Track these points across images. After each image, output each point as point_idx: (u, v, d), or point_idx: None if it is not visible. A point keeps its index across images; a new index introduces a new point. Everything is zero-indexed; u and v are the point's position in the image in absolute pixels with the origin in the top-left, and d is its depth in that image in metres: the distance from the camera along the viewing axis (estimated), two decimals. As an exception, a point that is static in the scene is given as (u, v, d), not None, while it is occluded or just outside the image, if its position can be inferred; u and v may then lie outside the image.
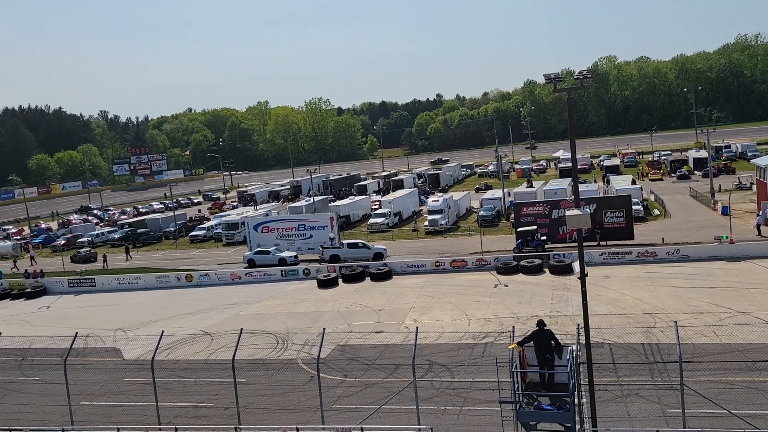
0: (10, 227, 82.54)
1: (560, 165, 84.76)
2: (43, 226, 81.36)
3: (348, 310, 32.16)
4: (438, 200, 55.85)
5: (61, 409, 20.97)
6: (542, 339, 14.03)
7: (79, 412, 20.73)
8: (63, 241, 64.14)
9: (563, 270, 35.07)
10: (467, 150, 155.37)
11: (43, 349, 29.17)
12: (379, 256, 43.23)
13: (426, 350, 23.97)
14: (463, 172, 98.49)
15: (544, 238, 41.22)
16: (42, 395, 23.54)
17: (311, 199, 66.59)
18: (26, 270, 48.29)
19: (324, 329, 20.00)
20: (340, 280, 38.42)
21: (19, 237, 73.12)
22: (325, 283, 37.97)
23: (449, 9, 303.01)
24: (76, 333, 22.49)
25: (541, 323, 14.31)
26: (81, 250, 57.74)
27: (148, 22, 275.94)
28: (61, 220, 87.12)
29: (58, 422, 19.78)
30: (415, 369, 16.26)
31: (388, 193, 73.64)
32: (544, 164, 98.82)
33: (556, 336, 14.22)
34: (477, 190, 75.48)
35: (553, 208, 42.46)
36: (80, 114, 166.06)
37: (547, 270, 36.07)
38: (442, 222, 52.42)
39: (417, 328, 17.90)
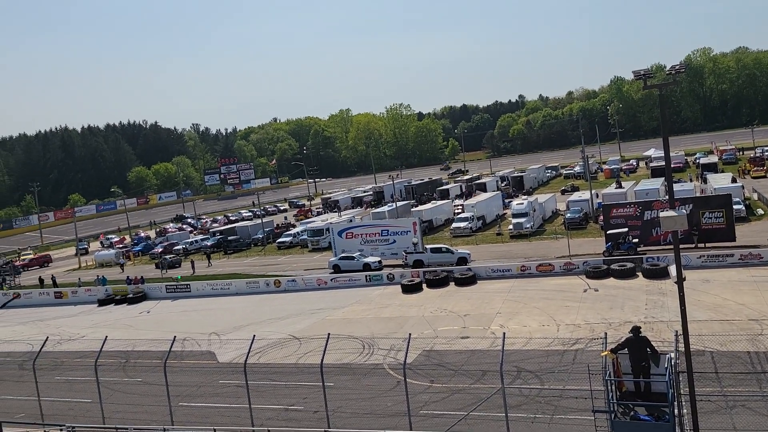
0: (113, 236, 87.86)
1: (652, 164, 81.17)
2: (143, 234, 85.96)
3: (433, 315, 32.06)
4: (522, 203, 54.80)
5: (161, 410, 22.04)
6: (638, 346, 13.45)
7: (178, 412, 21.71)
8: (160, 249, 67.53)
9: (658, 274, 33.51)
10: (552, 151, 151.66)
11: (145, 352, 30.74)
12: (462, 260, 42.87)
13: (513, 356, 23.49)
14: (547, 174, 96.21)
15: (636, 240, 39.57)
16: (144, 396, 24.82)
17: (394, 204, 66.97)
18: (128, 277, 51.17)
19: (410, 334, 20.04)
20: (424, 285, 38.38)
21: (121, 245, 77.64)
22: (410, 288, 38.01)
23: (531, 7, 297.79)
24: (175, 337, 23.62)
25: (636, 329, 13.72)
26: (166, 257, 61.08)
27: (235, 38, 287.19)
28: (158, 229, 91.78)
29: (160, 422, 20.78)
30: (503, 375, 15.98)
31: (471, 196, 72.98)
32: (634, 164, 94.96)
33: (652, 343, 13.59)
34: (563, 192, 73.51)
35: (645, 210, 40.69)
36: (174, 127, 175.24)
37: (640, 274, 34.58)
38: (527, 225, 51.38)
39: (504, 333, 17.58)
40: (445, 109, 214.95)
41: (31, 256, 77.47)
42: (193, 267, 55.10)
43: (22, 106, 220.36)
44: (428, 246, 45.84)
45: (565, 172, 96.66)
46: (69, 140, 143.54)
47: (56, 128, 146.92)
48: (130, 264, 63.98)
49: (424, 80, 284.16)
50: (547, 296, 32.97)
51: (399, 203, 68.28)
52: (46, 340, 26.67)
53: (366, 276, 42.02)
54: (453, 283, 38.13)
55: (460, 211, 62.17)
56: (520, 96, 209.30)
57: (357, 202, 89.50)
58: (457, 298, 34.85)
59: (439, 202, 67.98)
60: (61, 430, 20.52)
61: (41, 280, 56.92)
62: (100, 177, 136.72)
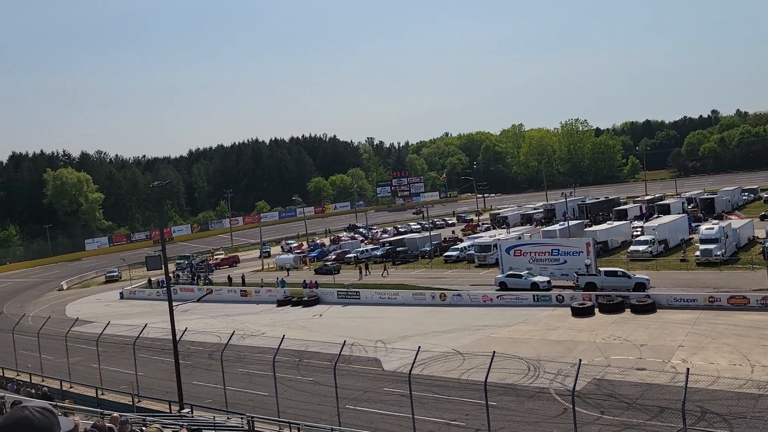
0: (292, 242, 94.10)
1: None
2: (318, 241, 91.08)
3: (605, 342, 30.26)
4: (713, 228, 49.93)
5: (329, 410, 23.07)
6: None
7: (345, 414, 22.57)
8: (333, 256, 71.07)
9: None
10: (750, 172, 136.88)
11: (316, 353, 32.43)
12: (640, 286, 40.01)
13: (697, 395, 21.39)
14: (743, 197, 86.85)
15: None
16: (314, 395, 26.17)
17: (566, 223, 64.46)
18: (304, 281, 54.44)
19: (580, 360, 19.08)
20: (596, 310, 36.38)
21: (299, 251, 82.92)
22: (580, 312, 36.25)
23: (727, 13, 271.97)
24: (344, 341, 24.64)
25: None
26: (327, 263, 64.79)
27: (410, 54, 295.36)
28: (332, 237, 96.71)
29: (328, 422, 21.74)
30: (686, 415, 14.59)
31: (652, 218, 68.03)
32: None
33: None
34: (762, 218, 65.92)
35: None
36: (351, 141, 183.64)
37: None
38: (718, 252, 46.69)
39: (687, 369, 16.12)
40: (625, 124, 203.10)
41: (223, 256, 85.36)
42: (361, 273, 57.87)
43: (220, 121, 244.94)
44: (602, 269, 43.43)
45: (765, 195, 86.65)
46: (258, 151, 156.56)
47: (248, 140, 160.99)
48: (305, 268, 68.01)
49: (603, 94, 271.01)
50: (739, 332, 29.67)
51: (571, 222, 65.56)
52: (233, 334, 29.16)
53: (534, 296, 40.82)
54: (629, 309, 35.71)
55: (639, 233, 58.18)
56: (713, 111, 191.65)
57: (526, 219, 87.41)
58: (633, 326, 32.58)
59: (616, 223, 64.18)
60: (242, 418, 22.24)
61: (230, 279, 62.48)
62: (283, 186, 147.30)
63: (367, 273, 58.85)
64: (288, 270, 66.44)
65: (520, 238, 56.58)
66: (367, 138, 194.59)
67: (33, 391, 27.83)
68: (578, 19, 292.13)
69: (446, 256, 62.49)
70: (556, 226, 65.23)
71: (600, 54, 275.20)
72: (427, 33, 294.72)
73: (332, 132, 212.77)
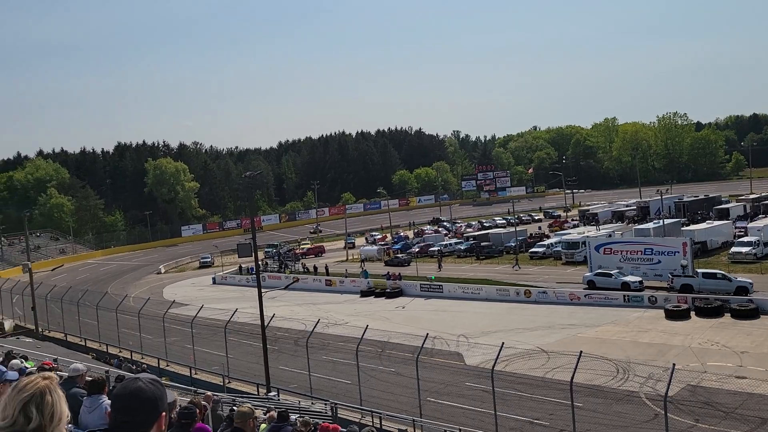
0: (376, 234, 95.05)
1: None
2: (402, 234, 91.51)
3: (701, 347, 28.75)
4: (826, 230, 46.33)
5: (410, 401, 23.21)
6: None
7: (426, 406, 22.64)
8: (417, 249, 71.20)
9: None
10: None
11: (398, 345, 32.66)
12: (742, 290, 37.64)
13: (804, 408, 20.00)
14: None
15: None
16: (396, 385, 26.39)
17: (660, 221, 61.61)
18: (388, 272, 54.89)
19: (673, 364, 18.27)
20: (692, 313, 34.60)
21: (383, 243, 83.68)
22: (675, 315, 34.58)
23: None
24: (427, 334, 24.69)
25: None
26: (399, 256, 65.85)
27: (493, 47, 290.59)
28: (416, 230, 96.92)
29: (409, 413, 21.88)
30: (792, 429, 13.66)
31: (757, 218, 63.85)
32: None
33: None
34: None
35: None
36: (436, 134, 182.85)
37: None
38: (831, 256, 43.28)
39: (795, 380, 15.04)
40: (729, 118, 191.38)
41: (309, 246, 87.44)
42: (439, 265, 58.35)
43: (309, 114, 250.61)
44: (699, 270, 41.19)
45: None
46: (345, 144, 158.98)
47: (335, 133, 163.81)
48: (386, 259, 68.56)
49: (705, 86, 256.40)
50: None
51: (667, 220, 62.59)
52: (318, 322, 29.87)
53: (624, 296, 39.32)
54: (729, 314, 33.73)
55: (742, 233, 54.79)
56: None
57: (618, 216, 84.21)
58: (733, 332, 30.77)
59: (716, 223, 60.69)
60: (325, 404, 22.77)
61: (315, 268, 63.92)
62: (368, 178, 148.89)
63: (439, 269, 58.63)
64: (363, 261, 67.07)
65: (610, 235, 54.57)
66: (453, 131, 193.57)
67: (134, 367, 29.65)
68: (678, 7, 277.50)
69: (532, 253, 61.26)
70: (650, 225, 62.47)
71: (702, 43, 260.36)
72: (516, 25, 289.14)
73: (418, 125, 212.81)
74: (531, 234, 72.74)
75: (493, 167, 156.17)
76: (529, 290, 43.42)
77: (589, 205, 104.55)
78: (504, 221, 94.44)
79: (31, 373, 2.90)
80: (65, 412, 2.71)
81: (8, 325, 46.20)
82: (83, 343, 39.97)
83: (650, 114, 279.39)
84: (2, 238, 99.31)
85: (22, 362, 11.15)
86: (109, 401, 7.48)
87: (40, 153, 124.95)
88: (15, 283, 52.10)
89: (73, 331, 42.20)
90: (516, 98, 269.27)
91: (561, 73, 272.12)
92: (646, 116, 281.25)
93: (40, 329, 44.22)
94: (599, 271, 44.18)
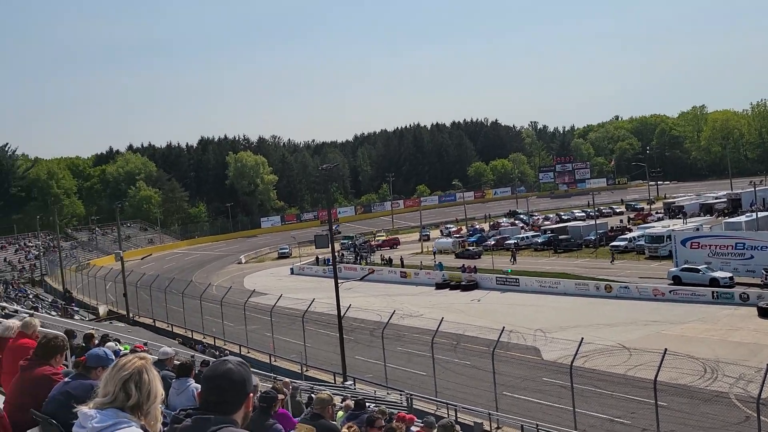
0: (451, 226, 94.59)
1: None
2: (477, 226, 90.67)
3: (799, 348, 27.05)
4: None
5: (486, 394, 23.04)
6: None
7: (502, 400, 22.41)
8: (492, 242, 70.36)
9: None
10: None
11: (474, 338, 32.44)
12: None
13: None
14: None
15: None
16: (471, 378, 26.23)
17: (753, 214, 58.20)
18: (463, 265, 54.54)
19: (767, 365, 17.27)
20: (788, 312, 32.58)
21: (458, 235, 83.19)
22: (769, 313, 32.67)
23: None
24: (503, 327, 24.41)
25: None
26: (469, 248, 66.09)
27: (571, 37, 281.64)
28: (492, 223, 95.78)
29: (484, 406, 21.73)
30: None
31: None
32: None
33: None
34: None
35: None
36: (513, 125, 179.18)
37: None
38: None
39: None
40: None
41: (384, 238, 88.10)
42: (514, 257, 57.89)
43: (384, 106, 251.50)
44: (797, 266, 38.74)
45: None
46: (420, 136, 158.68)
47: (410, 125, 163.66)
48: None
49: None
50: None
51: (761, 213, 59.04)
52: (393, 313, 30.06)
53: (713, 292, 37.46)
54: (830, 314, 31.58)
55: None
56: None
57: (706, 209, 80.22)
58: (834, 333, 28.79)
59: (816, 216, 56.79)
60: (400, 394, 22.94)
61: (390, 260, 64.31)
62: (443, 170, 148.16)
63: (513, 261, 57.56)
64: (435, 254, 66.81)
65: (698, 229, 52.09)
66: (530, 122, 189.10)
67: (216, 352, 30.85)
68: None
69: (613, 246, 59.31)
70: (742, 218, 59.11)
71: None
72: (596, 13, 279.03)
73: (494, 116, 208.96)
74: (612, 227, 70.42)
75: (572, 158, 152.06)
76: (610, 285, 42.10)
77: (675, 198, 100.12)
78: (583, 214, 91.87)
79: (125, 355, 3.08)
80: (161, 390, 2.86)
81: (102, 310, 49.10)
82: (170, 329, 41.93)
83: (743, 101, 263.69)
84: (97, 228, 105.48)
85: (116, 345, 11.84)
86: (196, 384, 7.84)
87: (130, 147, 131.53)
88: (108, 271, 55.24)
89: (160, 317, 44.34)
90: (596, 88, 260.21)
91: (644, 61, 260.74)
92: (738, 103, 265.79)
93: (130, 314, 46.73)
94: (686, 266, 42.29)
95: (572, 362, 19.75)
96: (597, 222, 69.80)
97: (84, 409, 2.70)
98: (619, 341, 30.19)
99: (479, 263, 57.12)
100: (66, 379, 4.73)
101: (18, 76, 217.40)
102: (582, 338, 21.40)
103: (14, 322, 6.74)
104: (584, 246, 63.84)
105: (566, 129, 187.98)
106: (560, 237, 66.00)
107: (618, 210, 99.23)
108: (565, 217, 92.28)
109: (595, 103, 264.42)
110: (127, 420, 2.67)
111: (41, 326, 6.57)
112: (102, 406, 2.69)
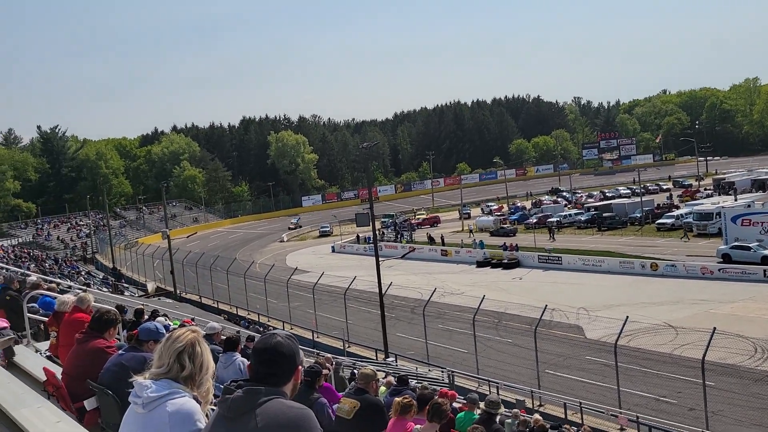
0: (493, 204, 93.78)
1: None
2: (519, 204, 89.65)
3: None
4: None
5: (528, 372, 22.96)
6: None
7: (544, 378, 22.31)
8: (534, 220, 69.50)
9: None
10: None
11: (515, 316, 32.29)
12: None
13: None
14: None
15: None
16: (513, 356, 26.15)
17: (809, 190, 55.99)
18: (504, 243, 54.11)
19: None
20: None
21: (499, 213, 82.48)
22: (824, 292, 31.57)
23: None
24: (546, 306, 24.21)
25: None
26: (504, 226, 66.92)
27: (615, 10, 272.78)
28: (534, 200, 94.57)
29: (527, 383, 21.68)
30: None
31: None
32: None
33: None
34: None
35: None
36: (555, 101, 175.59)
37: None
38: None
39: None
40: None
41: (424, 216, 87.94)
42: (552, 234, 57.80)
43: (424, 84, 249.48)
44: None
45: None
46: (460, 113, 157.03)
47: (450, 102, 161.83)
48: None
49: None
50: None
51: (816, 189, 56.80)
52: (434, 291, 30.14)
53: (765, 270, 36.32)
54: None
55: None
56: None
57: (758, 185, 77.50)
58: None
59: None
60: (442, 371, 23.05)
61: (431, 238, 64.25)
62: (484, 148, 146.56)
63: (552, 239, 56.74)
64: (471, 232, 66.26)
65: (749, 206, 50.41)
66: (574, 97, 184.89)
67: (261, 329, 31.46)
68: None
69: (659, 224, 57.93)
70: (797, 194, 57.03)
71: None
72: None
73: (536, 92, 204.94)
74: (658, 204, 68.76)
75: (617, 134, 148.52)
76: (656, 263, 41.24)
77: (725, 174, 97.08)
78: (628, 191, 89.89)
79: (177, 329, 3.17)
80: (212, 363, 2.93)
81: (150, 287, 50.53)
82: (215, 305, 42.93)
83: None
84: (144, 207, 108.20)
85: (166, 320, 12.18)
86: (242, 358, 8.02)
87: (174, 128, 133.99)
88: (155, 249, 56.73)
89: (206, 293, 45.40)
90: (642, 61, 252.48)
91: (694, 33, 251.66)
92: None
93: (177, 291, 47.98)
94: (736, 243, 41.08)
95: (617, 340, 19.49)
96: (642, 199, 68.22)
97: (140, 380, 2.79)
98: (666, 320, 29.63)
99: (520, 241, 56.57)
100: (120, 352, 4.90)
101: (66, 59, 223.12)
102: (627, 317, 21.09)
103: (69, 297, 7.00)
104: (629, 224, 62.58)
105: (611, 104, 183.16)
106: (604, 215, 64.79)
107: (665, 187, 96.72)
108: (610, 195, 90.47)
109: (641, 77, 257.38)
110: (180, 390, 2.76)
111: (94, 302, 6.81)
112: (157, 377, 2.79)
